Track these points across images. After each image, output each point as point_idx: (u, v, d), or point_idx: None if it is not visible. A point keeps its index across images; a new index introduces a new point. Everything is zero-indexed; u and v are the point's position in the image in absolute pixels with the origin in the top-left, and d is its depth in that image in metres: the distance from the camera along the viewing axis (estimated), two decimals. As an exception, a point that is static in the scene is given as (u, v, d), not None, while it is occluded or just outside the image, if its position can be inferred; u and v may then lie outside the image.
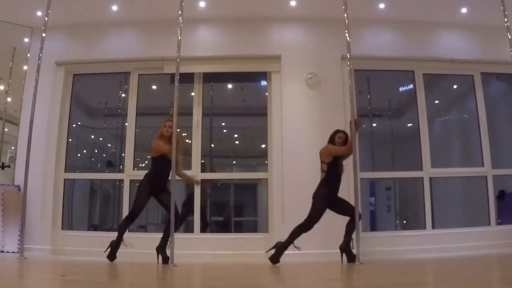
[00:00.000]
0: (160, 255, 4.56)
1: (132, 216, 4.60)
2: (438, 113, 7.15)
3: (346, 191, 5.02)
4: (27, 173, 4.90)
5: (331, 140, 4.84)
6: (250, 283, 3.07)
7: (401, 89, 7.02)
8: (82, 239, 5.88)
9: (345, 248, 4.61)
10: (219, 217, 7.27)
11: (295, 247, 4.57)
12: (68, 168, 6.24)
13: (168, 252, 4.47)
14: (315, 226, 4.61)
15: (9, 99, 6.73)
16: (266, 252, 4.71)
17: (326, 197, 4.68)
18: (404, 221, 7.36)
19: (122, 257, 5.26)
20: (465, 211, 6.78)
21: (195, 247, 5.62)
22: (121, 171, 6.29)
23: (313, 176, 5.57)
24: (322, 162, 4.78)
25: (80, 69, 6.43)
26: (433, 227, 5.96)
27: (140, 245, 4.64)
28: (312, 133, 5.88)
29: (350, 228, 4.61)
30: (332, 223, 4.65)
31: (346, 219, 4.68)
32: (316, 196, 4.70)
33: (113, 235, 4.56)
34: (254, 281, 3.24)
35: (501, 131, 6.59)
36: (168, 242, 4.50)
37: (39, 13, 5.94)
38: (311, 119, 5.98)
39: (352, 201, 4.74)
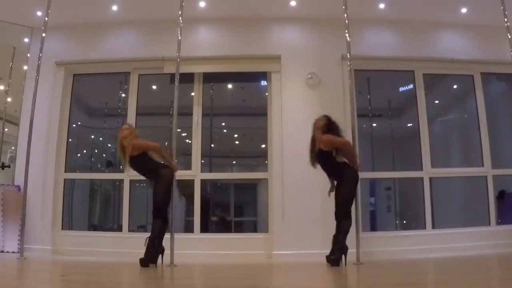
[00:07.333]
0: (161, 256, 4.51)
1: None
2: (438, 113, 7.15)
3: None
4: (27, 173, 4.91)
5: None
6: (250, 283, 3.07)
7: (402, 89, 7.02)
8: (82, 239, 5.88)
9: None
10: (219, 217, 7.27)
11: None
12: (68, 168, 6.24)
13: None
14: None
15: (9, 99, 6.75)
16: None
17: None
18: (404, 221, 7.36)
19: (123, 257, 5.28)
20: (465, 211, 6.78)
21: (195, 247, 5.61)
22: (121, 171, 6.28)
23: (313, 176, 5.56)
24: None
25: (80, 69, 6.42)
26: (433, 227, 5.95)
27: (141, 245, 4.60)
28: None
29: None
30: (333, 223, 4.61)
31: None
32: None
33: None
34: (253, 281, 3.24)
35: (501, 131, 6.57)
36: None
37: (39, 13, 5.94)
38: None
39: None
